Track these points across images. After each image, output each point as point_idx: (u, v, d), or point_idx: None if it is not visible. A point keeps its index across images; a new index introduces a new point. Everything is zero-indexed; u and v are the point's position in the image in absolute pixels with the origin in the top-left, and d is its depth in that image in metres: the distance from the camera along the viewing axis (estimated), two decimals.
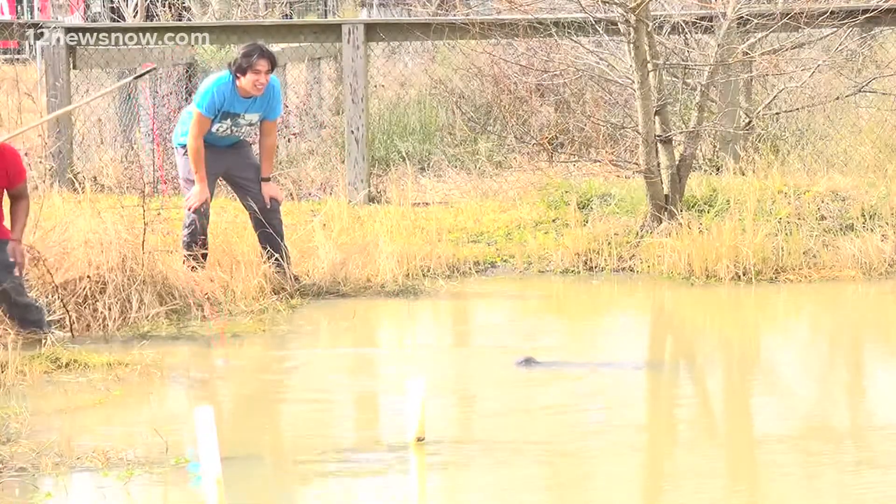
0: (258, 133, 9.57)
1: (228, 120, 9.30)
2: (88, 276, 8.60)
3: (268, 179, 9.51)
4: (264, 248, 9.40)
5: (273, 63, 9.23)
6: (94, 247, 8.73)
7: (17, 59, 19.34)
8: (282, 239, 9.45)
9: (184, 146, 9.34)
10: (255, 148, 9.90)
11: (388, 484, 6.08)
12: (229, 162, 9.45)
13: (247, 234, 9.64)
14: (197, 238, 9.26)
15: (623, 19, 10.41)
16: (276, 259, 9.37)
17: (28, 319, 8.19)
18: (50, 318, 8.36)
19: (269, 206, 9.44)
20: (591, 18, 11.14)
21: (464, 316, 9.57)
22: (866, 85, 12.45)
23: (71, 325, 8.45)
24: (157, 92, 13.47)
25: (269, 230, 9.40)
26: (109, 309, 8.57)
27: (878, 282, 9.99)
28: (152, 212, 9.59)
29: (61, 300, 8.48)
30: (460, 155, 13.11)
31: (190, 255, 9.22)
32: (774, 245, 10.17)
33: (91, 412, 7.07)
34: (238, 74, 9.19)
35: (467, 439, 6.72)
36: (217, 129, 9.31)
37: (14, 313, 8.18)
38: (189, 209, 9.29)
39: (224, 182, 9.86)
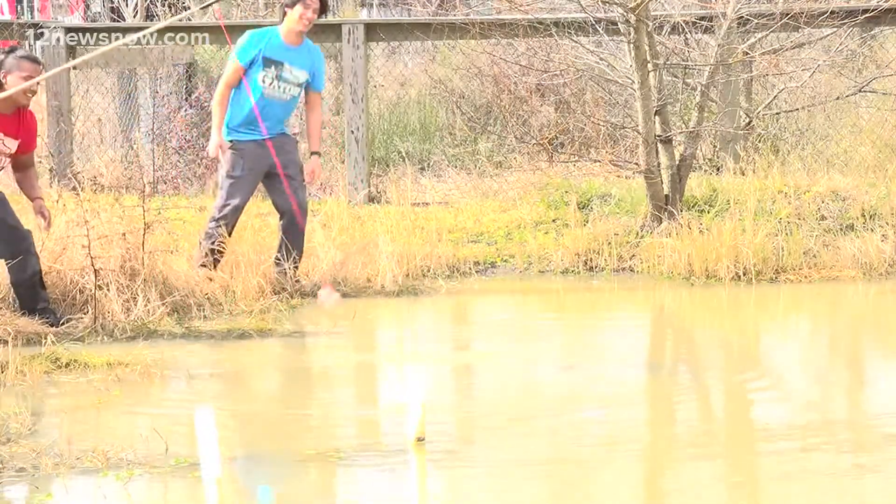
0: (302, 111, 9.62)
1: (273, 68, 9.22)
2: (95, 271, 8.60)
3: (318, 153, 9.54)
4: (279, 250, 9.37)
5: (325, 7, 9.22)
6: (94, 246, 8.73)
7: None
8: (300, 247, 9.41)
9: (230, 141, 9.29)
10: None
11: (388, 484, 6.07)
12: (275, 158, 9.32)
13: (247, 234, 9.64)
14: (219, 234, 9.21)
15: (623, 19, 10.41)
16: (278, 260, 9.36)
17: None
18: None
19: (300, 205, 9.35)
20: (591, 18, 11.15)
21: (464, 316, 9.57)
22: (866, 85, 12.45)
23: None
24: (157, 92, 13.47)
25: (291, 236, 9.36)
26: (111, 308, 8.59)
27: (878, 282, 9.99)
28: (152, 212, 9.58)
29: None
30: (460, 155, 13.12)
31: (209, 249, 9.19)
32: (774, 245, 10.18)
33: (91, 412, 7.07)
34: (286, 8, 9.18)
35: (468, 440, 6.72)
36: (262, 79, 9.20)
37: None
38: (208, 155, 9.30)
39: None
